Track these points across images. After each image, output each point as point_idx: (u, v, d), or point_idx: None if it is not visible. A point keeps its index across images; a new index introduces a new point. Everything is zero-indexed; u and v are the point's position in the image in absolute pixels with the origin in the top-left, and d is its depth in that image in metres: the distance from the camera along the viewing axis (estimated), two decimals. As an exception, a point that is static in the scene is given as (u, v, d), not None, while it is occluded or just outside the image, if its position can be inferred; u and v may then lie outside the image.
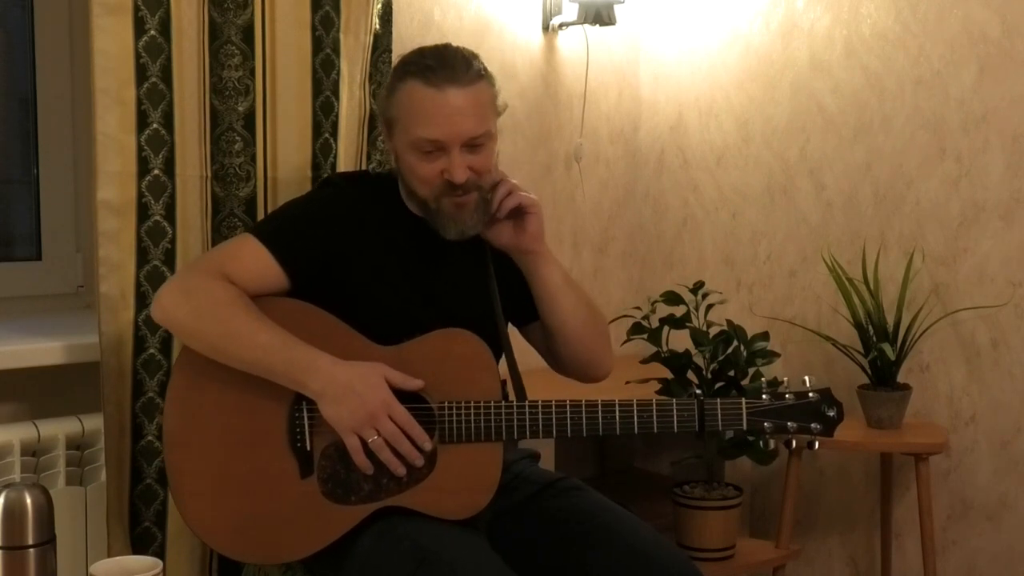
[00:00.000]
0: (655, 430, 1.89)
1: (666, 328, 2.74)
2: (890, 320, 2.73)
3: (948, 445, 2.77)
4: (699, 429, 1.88)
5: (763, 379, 1.94)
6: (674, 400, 1.89)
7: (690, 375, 2.76)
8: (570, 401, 1.89)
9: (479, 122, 1.92)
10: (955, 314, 2.80)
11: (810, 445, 1.87)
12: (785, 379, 1.94)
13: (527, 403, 1.89)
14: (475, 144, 1.92)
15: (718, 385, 2.73)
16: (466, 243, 2.01)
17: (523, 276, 2.05)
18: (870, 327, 2.73)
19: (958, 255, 2.81)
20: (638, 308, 2.80)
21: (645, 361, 2.77)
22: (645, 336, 2.75)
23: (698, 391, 1.89)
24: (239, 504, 1.87)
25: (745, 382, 2.72)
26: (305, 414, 1.87)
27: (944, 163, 2.82)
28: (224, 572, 2.27)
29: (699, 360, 2.74)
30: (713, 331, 2.75)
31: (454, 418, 1.86)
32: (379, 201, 2.02)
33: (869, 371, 2.74)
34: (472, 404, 1.86)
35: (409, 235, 2.01)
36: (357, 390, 1.81)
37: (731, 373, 2.72)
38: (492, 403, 1.87)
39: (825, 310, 3.02)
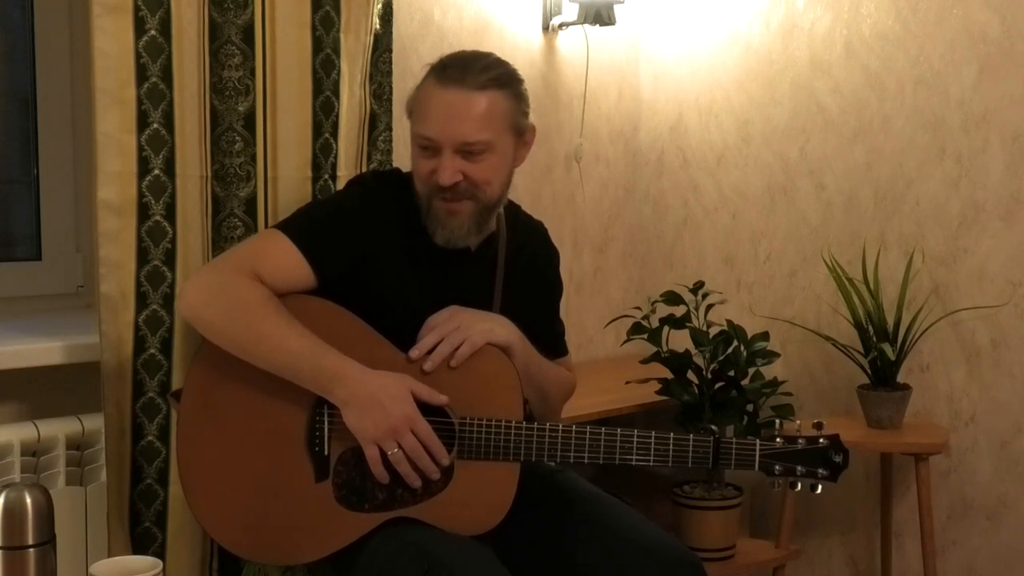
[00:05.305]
0: (669, 464, 1.89)
1: (666, 328, 2.74)
2: (890, 320, 2.73)
3: (948, 445, 2.76)
4: (712, 466, 1.88)
5: (778, 421, 1.95)
6: (691, 436, 1.87)
7: (690, 375, 2.76)
8: (590, 428, 1.87)
9: (477, 129, 1.88)
10: (955, 314, 2.80)
11: (812, 488, 1.88)
12: (798, 422, 1.94)
13: (547, 426, 1.86)
14: (470, 151, 1.89)
15: (718, 385, 2.73)
16: (482, 253, 2.01)
17: (538, 306, 2.09)
18: (870, 327, 2.73)
19: (958, 255, 2.81)
20: (638, 308, 2.80)
21: (645, 361, 2.78)
22: (645, 336, 2.75)
23: (714, 428, 1.89)
24: (251, 502, 1.86)
25: (745, 382, 2.72)
26: (326, 419, 1.85)
27: (944, 163, 2.82)
28: (224, 572, 2.27)
29: (699, 360, 2.74)
30: (713, 331, 2.75)
31: (474, 435, 1.85)
32: (403, 202, 1.98)
33: (869, 371, 2.74)
34: (493, 423, 1.85)
35: (427, 238, 1.97)
36: (382, 402, 1.79)
37: (731, 373, 2.72)
38: (513, 423, 1.85)
39: (825, 310, 3.02)
